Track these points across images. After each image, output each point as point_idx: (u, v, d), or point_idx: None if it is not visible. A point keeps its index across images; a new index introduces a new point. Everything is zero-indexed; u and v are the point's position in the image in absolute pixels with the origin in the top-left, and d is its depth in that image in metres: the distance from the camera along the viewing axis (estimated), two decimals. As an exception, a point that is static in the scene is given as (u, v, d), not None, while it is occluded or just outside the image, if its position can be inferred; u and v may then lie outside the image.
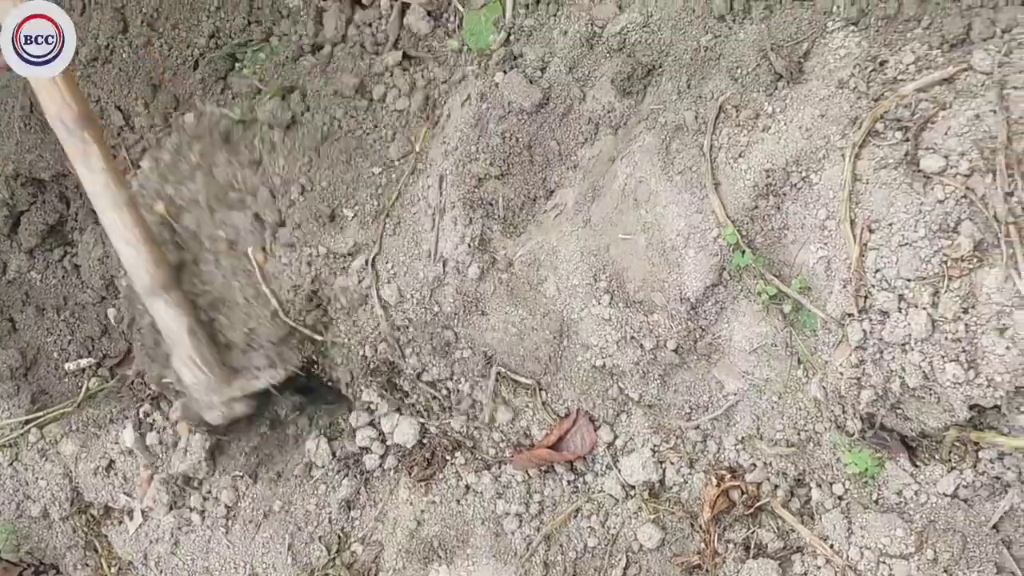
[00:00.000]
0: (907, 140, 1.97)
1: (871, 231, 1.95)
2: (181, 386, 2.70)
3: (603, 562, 2.44)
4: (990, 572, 2.02)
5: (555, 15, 2.54)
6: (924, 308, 1.89)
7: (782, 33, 2.22)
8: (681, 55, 2.33)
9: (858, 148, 2.01)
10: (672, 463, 2.44)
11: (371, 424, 2.77)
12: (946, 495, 2.09)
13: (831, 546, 2.19)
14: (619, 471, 2.48)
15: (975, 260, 1.87)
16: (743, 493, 2.32)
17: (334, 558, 2.73)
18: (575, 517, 2.51)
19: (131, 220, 2.43)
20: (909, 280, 1.91)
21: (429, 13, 2.67)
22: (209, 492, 2.89)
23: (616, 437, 2.51)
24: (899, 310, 1.93)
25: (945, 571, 2.05)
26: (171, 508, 2.89)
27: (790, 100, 2.15)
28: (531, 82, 2.49)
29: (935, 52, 2.06)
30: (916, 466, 2.13)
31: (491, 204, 2.51)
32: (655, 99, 2.34)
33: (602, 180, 2.38)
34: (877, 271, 1.94)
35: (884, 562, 2.12)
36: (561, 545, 2.49)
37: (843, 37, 2.17)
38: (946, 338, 1.89)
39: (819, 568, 2.20)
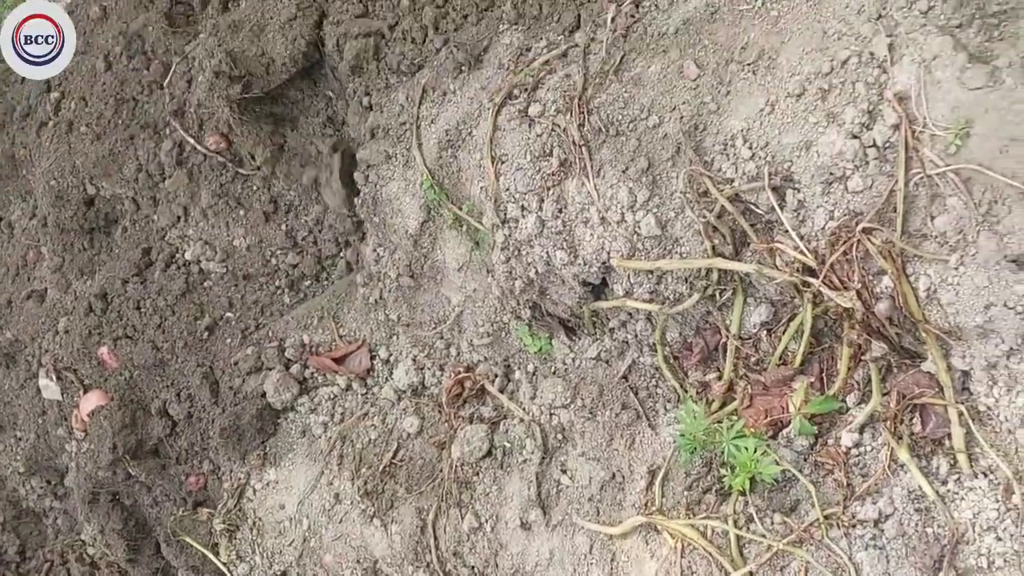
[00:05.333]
0: (526, 98, 2.74)
1: (502, 162, 2.71)
2: None
3: (381, 449, 3.17)
4: (619, 408, 2.72)
5: None
6: (535, 212, 2.64)
7: (466, 35, 3.02)
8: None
9: (498, 107, 2.77)
10: (428, 368, 3.18)
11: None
12: (592, 359, 2.80)
13: (523, 408, 2.90)
14: (393, 380, 3.23)
15: (562, 174, 2.61)
16: (472, 382, 3.04)
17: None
18: (363, 419, 3.25)
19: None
20: (524, 193, 2.66)
21: None
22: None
23: (390, 355, 3.26)
24: (522, 216, 2.67)
25: (590, 412, 2.76)
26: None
27: (467, 81, 2.94)
28: None
29: (560, 38, 2.83)
30: (572, 340, 2.84)
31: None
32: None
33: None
34: (506, 190, 2.69)
35: (553, 413, 2.82)
36: (352, 441, 3.23)
37: (509, 35, 2.96)
38: (552, 232, 2.63)
39: (515, 425, 2.90)
